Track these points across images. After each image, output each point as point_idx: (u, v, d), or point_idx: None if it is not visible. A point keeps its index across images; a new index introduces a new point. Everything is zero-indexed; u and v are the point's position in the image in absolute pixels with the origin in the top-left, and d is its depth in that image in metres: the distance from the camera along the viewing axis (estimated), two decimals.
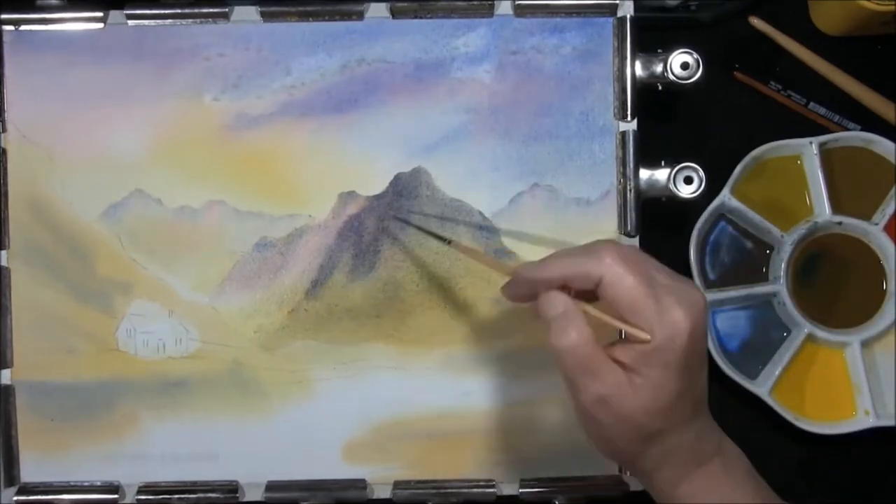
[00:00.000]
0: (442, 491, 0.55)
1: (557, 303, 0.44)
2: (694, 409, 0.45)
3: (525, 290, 0.47)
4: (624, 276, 0.43)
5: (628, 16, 0.55)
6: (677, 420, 0.44)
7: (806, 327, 0.58)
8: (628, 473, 0.55)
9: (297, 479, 0.55)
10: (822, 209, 0.58)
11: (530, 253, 0.55)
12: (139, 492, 0.55)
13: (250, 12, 0.56)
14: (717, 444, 0.46)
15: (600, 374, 0.43)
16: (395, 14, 0.56)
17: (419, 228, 0.55)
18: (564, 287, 0.45)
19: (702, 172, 0.55)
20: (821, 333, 0.58)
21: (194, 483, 0.55)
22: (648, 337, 0.42)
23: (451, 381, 0.55)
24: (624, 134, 0.55)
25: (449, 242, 0.54)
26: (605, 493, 0.55)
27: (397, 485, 0.55)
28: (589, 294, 0.45)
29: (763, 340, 0.59)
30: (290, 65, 0.56)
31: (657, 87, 0.56)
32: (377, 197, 0.55)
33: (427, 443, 0.55)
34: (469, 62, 0.56)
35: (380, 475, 0.55)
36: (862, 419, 0.58)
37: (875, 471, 0.60)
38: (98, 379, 0.55)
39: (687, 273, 0.58)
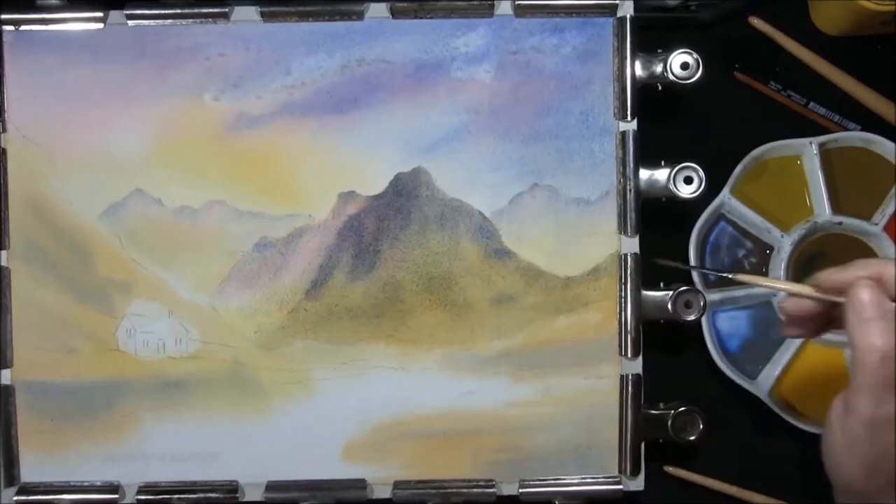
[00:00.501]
0: (442, 491, 0.55)
1: (877, 301, 0.41)
2: None
3: (813, 305, 0.45)
4: None
5: (628, 16, 0.55)
6: None
7: None
8: None
9: (297, 479, 0.55)
10: (822, 209, 0.58)
11: (530, 253, 0.55)
12: (139, 492, 0.55)
13: (250, 12, 0.56)
14: None
15: None
16: (395, 14, 0.56)
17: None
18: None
19: (702, 172, 0.55)
20: None
21: (194, 483, 0.55)
22: None
23: (451, 381, 0.55)
24: (624, 134, 0.55)
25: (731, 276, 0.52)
26: (604, 493, 0.55)
27: (397, 485, 0.55)
28: None
29: (763, 340, 0.59)
30: (290, 65, 0.56)
31: (657, 87, 0.56)
32: (377, 197, 0.55)
33: (427, 443, 0.55)
34: (469, 62, 0.56)
35: (380, 475, 0.55)
36: None
37: None
38: (98, 379, 0.55)
39: (687, 273, 0.58)
